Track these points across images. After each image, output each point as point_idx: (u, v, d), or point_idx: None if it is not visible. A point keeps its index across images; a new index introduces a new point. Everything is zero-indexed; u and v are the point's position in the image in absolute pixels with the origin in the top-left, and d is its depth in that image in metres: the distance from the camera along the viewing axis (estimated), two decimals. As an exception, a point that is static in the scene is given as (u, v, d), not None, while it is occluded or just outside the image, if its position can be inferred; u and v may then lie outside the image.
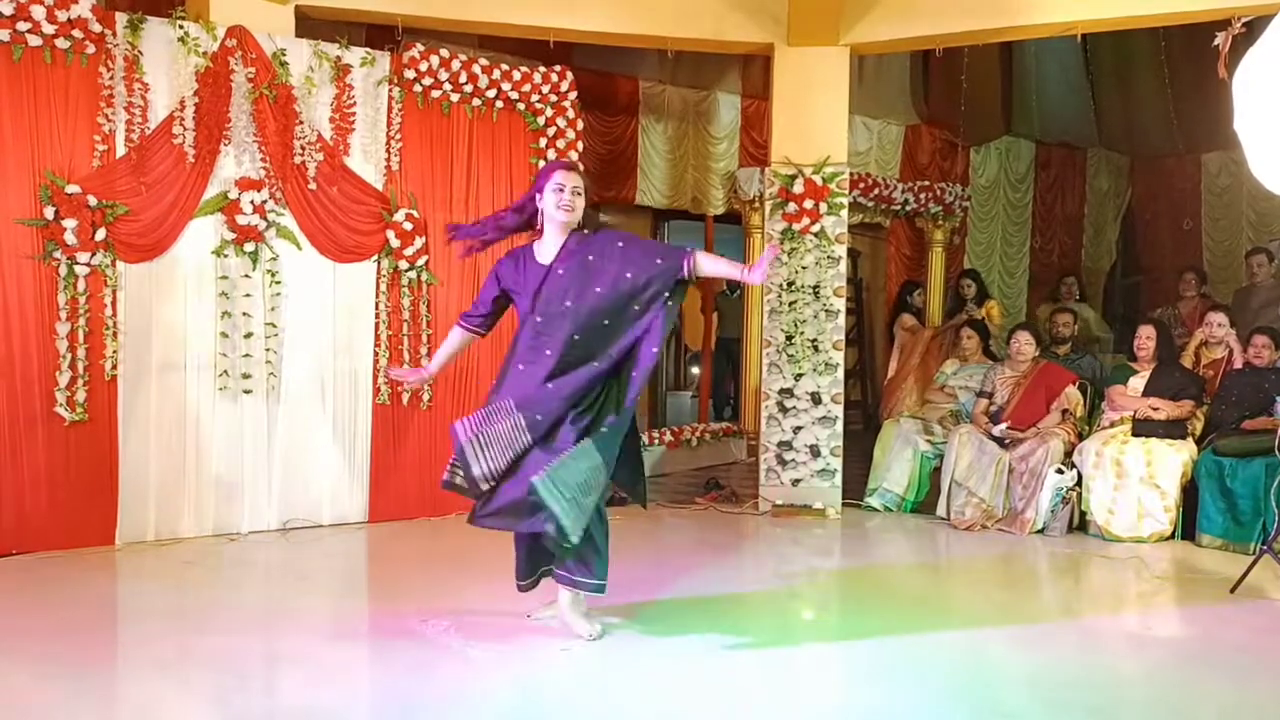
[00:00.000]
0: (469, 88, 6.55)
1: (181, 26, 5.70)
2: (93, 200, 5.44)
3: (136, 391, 5.66)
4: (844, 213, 7.02)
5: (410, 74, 6.33)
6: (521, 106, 6.79)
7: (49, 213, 5.36)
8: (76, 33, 5.37)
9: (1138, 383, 6.62)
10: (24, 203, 5.35)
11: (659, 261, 3.95)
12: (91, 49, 5.45)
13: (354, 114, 6.21)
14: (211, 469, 5.87)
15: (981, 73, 10.32)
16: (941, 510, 6.77)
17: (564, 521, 3.72)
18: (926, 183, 10.48)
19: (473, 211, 6.65)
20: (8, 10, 5.22)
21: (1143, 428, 6.35)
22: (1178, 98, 10.91)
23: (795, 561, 6.03)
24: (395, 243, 6.33)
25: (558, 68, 6.89)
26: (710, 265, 4.05)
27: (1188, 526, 6.18)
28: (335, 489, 6.28)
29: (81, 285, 5.47)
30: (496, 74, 6.60)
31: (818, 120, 7.00)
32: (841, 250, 7.00)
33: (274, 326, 6.01)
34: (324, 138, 6.11)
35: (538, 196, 4.06)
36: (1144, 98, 11.20)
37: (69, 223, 5.36)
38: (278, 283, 6.02)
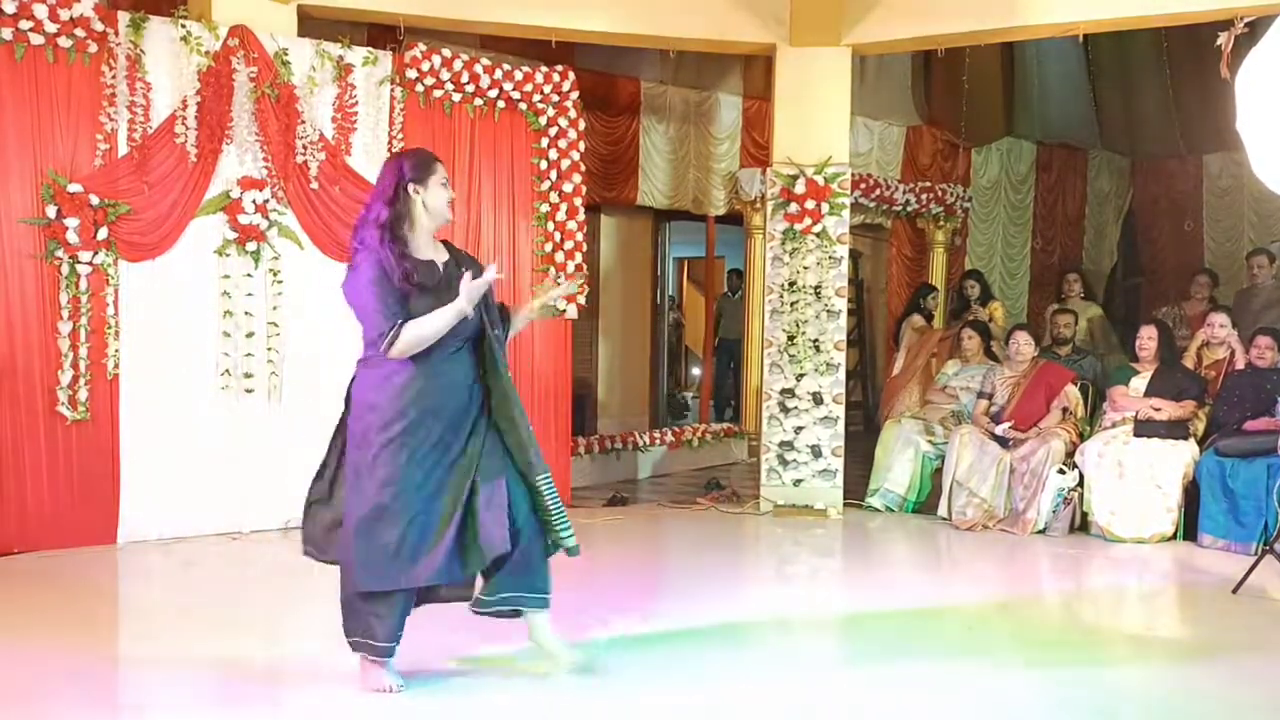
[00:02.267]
0: (471, 88, 6.55)
1: (184, 25, 5.70)
2: (95, 199, 5.44)
3: (138, 391, 5.66)
4: (845, 213, 7.01)
5: (412, 74, 6.33)
6: (523, 106, 6.79)
7: (51, 212, 5.36)
8: (79, 31, 5.37)
9: (1139, 383, 6.61)
10: (26, 202, 5.35)
11: None
12: (94, 48, 5.45)
13: (356, 113, 6.21)
14: (213, 468, 5.85)
15: (983, 73, 10.32)
16: (943, 511, 6.76)
17: None
18: (928, 183, 10.48)
19: (474, 211, 6.66)
20: (10, 9, 5.22)
21: (1144, 428, 6.35)
22: (1179, 99, 10.91)
23: (797, 562, 6.03)
24: (397, 242, 6.33)
25: (559, 68, 6.89)
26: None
27: (1189, 527, 6.18)
28: (336, 488, 6.27)
29: (83, 284, 5.47)
30: (498, 74, 6.60)
31: (819, 120, 7.00)
32: (843, 251, 6.99)
33: (276, 326, 6.00)
34: (326, 137, 6.11)
35: (415, 189, 3.43)
36: (1145, 99, 11.19)
37: (71, 222, 5.36)
38: (279, 282, 6.02)
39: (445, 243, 3.65)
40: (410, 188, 3.42)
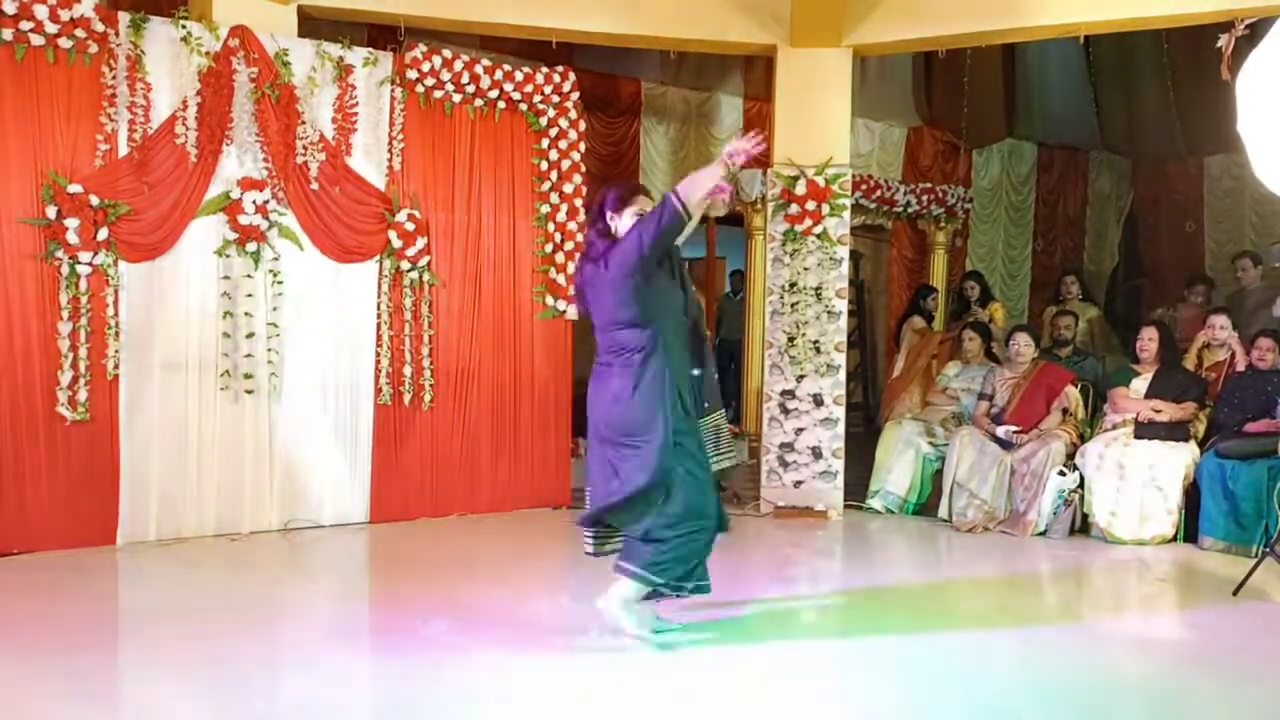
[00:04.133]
0: (471, 88, 6.55)
1: (184, 26, 5.71)
2: (95, 200, 5.44)
3: (138, 391, 5.66)
4: (846, 214, 7.02)
5: (413, 74, 6.33)
6: (524, 107, 6.79)
7: (51, 212, 5.36)
8: (79, 32, 5.37)
9: (1140, 385, 6.61)
10: (26, 202, 5.36)
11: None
12: (94, 48, 5.45)
13: (356, 114, 6.21)
14: (213, 469, 5.86)
15: (984, 75, 10.30)
16: (943, 512, 6.76)
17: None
18: (928, 185, 10.46)
19: (474, 212, 6.66)
20: (10, 9, 5.22)
21: (1145, 430, 6.34)
22: (1180, 100, 10.88)
23: (797, 563, 6.03)
24: (397, 243, 6.33)
25: (560, 69, 6.90)
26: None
27: (1190, 529, 6.17)
28: (336, 489, 6.27)
29: (83, 285, 5.46)
30: (499, 75, 6.60)
31: (820, 122, 7.00)
32: (844, 252, 7.00)
33: (275, 326, 6.00)
34: (326, 138, 6.12)
35: (615, 218, 4.23)
36: (1146, 100, 11.17)
37: (71, 222, 5.35)
38: (279, 283, 6.02)
39: None
40: (608, 215, 4.24)
